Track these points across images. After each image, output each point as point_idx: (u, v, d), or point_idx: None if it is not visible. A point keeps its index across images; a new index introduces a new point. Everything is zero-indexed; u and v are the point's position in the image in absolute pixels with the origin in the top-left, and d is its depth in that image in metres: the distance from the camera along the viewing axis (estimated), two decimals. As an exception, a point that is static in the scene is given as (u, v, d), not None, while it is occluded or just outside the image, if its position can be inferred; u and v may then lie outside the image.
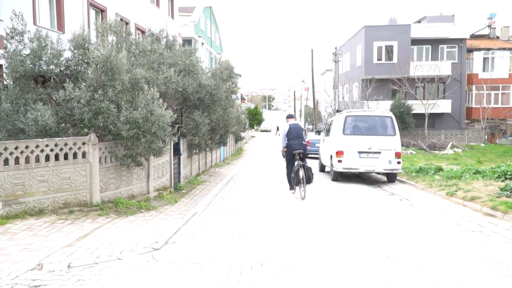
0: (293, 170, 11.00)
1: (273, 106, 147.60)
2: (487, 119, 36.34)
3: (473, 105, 37.79)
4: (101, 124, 8.10)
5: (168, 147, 10.84)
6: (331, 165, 14.90)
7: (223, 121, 14.46)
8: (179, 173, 12.57)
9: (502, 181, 11.40)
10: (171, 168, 11.53)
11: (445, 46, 36.92)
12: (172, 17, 24.93)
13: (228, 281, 4.82)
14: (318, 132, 22.03)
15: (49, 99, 8.54)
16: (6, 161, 7.08)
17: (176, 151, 12.21)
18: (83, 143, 8.00)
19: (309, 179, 10.78)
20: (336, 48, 40.91)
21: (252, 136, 58.18)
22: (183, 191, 11.68)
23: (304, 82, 66.30)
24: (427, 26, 37.10)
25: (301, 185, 10.69)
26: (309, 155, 26.12)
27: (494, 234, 7.17)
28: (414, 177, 14.32)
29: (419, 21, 40.66)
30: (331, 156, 14.89)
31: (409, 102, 34.08)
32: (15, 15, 8.41)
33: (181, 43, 19.20)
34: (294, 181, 10.95)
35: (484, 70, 37.28)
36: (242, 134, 32.69)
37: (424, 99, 34.86)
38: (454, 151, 27.29)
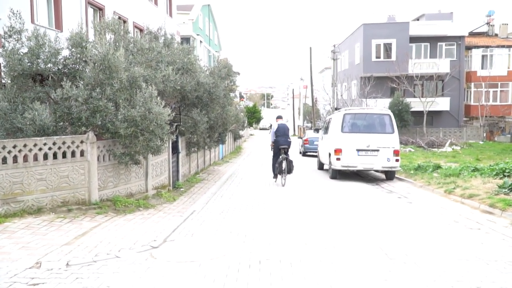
0: (277, 162, 12.99)
1: (271, 104, 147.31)
2: (486, 116, 36.36)
3: (472, 103, 37.81)
4: (99, 122, 8.09)
5: (167, 145, 10.84)
6: (330, 163, 14.92)
7: (222, 119, 14.44)
8: (177, 171, 12.56)
9: (500, 178, 11.43)
10: (170, 167, 11.53)
11: (443, 43, 36.87)
12: (170, 15, 24.86)
13: (226, 279, 4.83)
14: (317, 130, 21.99)
15: (47, 98, 8.52)
16: (4, 160, 7.08)
17: (175, 150, 12.21)
18: (81, 142, 8.00)
19: (289, 170, 12.91)
20: (334, 46, 40.85)
21: (251, 134, 58.20)
22: (181, 189, 11.68)
23: (303, 80, 66.09)
24: (425, 24, 37.03)
25: (283, 174, 12.78)
26: (308, 153, 26.29)
27: (492, 231, 7.20)
28: (413, 175, 14.35)
29: (417, 19, 40.64)
30: (330, 154, 14.91)
31: (408, 100, 34.03)
32: (13, 13, 8.36)
33: (179, 41, 19.11)
34: (277, 170, 13.01)
35: (482, 68, 37.28)
36: (241, 132, 32.68)
37: (422, 96, 34.83)
38: (453, 149, 27.31)
